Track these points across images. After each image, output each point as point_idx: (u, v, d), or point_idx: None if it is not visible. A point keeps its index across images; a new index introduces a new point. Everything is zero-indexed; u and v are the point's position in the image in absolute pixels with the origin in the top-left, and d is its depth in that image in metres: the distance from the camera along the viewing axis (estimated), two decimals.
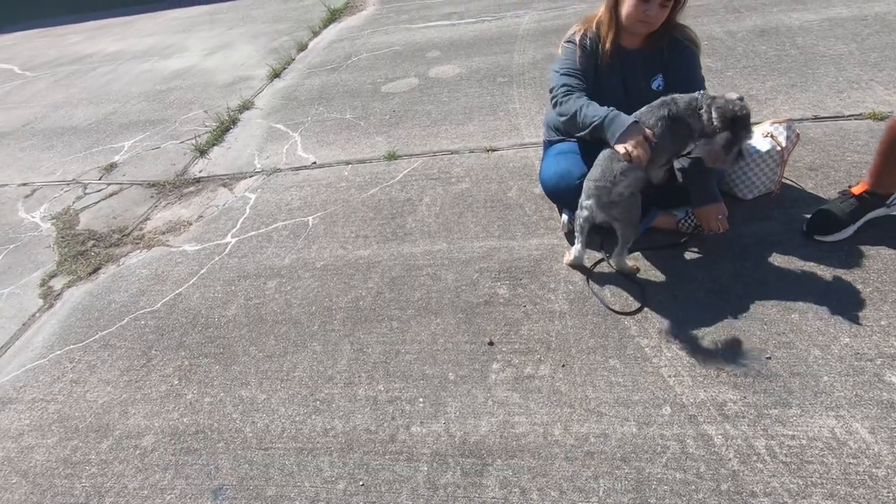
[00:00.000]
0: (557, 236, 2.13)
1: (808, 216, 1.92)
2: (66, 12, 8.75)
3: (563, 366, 1.63)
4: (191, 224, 2.76)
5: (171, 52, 5.82)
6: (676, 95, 1.74)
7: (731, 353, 1.56)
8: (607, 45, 1.87)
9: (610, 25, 1.85)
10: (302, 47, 5.12)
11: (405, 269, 2.15)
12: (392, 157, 2.96)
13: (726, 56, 3.28)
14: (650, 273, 1.89)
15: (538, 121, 3.02)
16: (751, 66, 3.11)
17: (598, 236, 1.99)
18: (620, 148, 1.69)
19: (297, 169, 3.06)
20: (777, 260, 1.83)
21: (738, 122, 1.62)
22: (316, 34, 5.46)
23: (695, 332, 1.65)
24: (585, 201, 1.80)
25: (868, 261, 1.76)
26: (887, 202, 1.78)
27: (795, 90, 2.80)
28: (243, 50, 5.46)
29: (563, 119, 1.90)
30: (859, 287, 1.68)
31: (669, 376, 1.53)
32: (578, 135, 1.88)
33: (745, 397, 1.44)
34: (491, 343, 1.75)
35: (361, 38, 5.03)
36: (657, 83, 1.92)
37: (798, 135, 2.03)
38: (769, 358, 1.53)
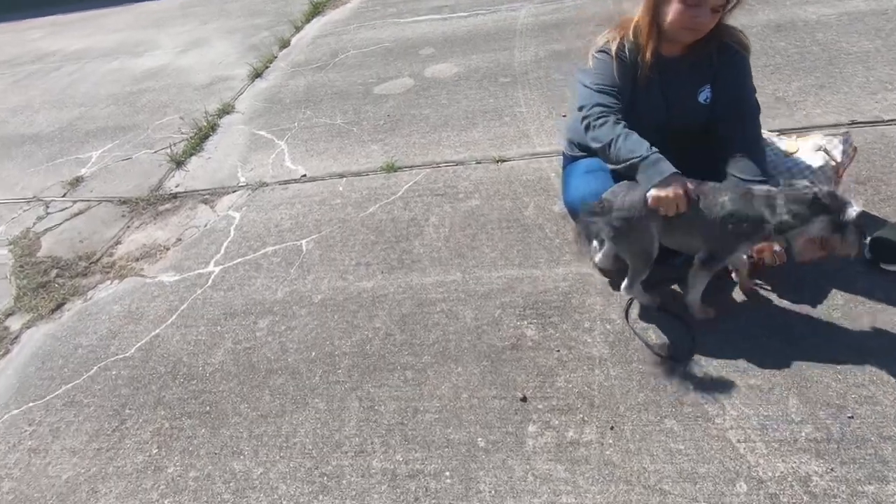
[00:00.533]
0: (588, 265, 1.90)
1: (868, 241, 1.72)
2: (27, 6, 8.19)
3: (612, 428, 1.40)
4: (168, 249, 2.46)
5: (142, 50, 5.42)
6: (753, 187, 1.48)
7: (806, 411, 1.35)
8: (647, 56, 1.63)
9: (650, 33, 1.61)
10: (284, 43, 4.78)
11: (416, 304, 1.90)
12: (391, 168, 2.69)
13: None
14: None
15: (548, 126, 2.78)
16: (773, 65, 2.91)
17: None
18: (655, 194, 1.46)
19: (286, 183, 2.78)
20: (840, 294, 1.63)
21: (818, 204, 1.35)
22: (298, 29, 5.11)
23: (758, 382, 1.44)
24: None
25: None
26: None
27: (825, 92, 2.60)
28: (220, 47, 5.10)
29: (595, 146, 1.66)
30: None
31: (739, 442, 1.32)
32: (612, 167, 1.65)
33: (831, 469, 1.24)
34: (524, 398, 1.51)
35: (348, 34, 4.71)
36: (704, 95, 1.68)
37: (855, 149, 1.82)
38: (851, 417, 1.32)
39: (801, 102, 2.56)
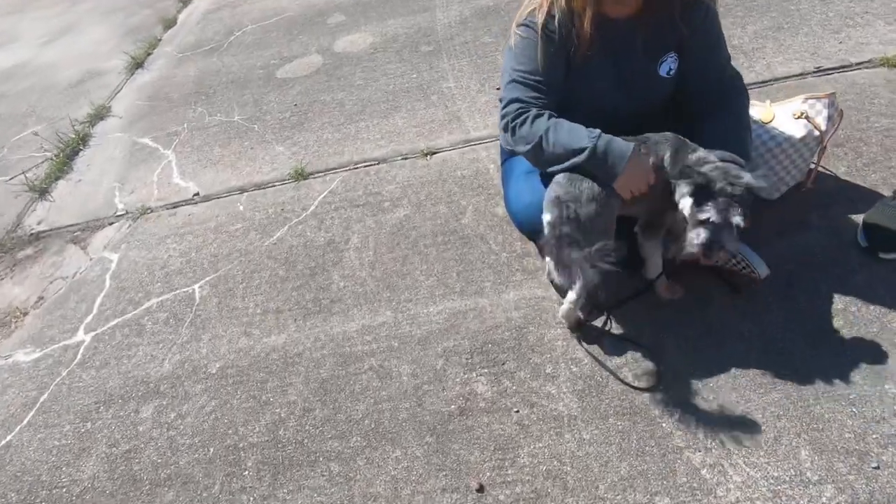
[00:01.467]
0: (540, 283, 1.57)
1: (861, 223, 1.45)
2: None
3: None
4: (26, 313, 1.96)
5: None
6: (697, 148, 1.25)
7: (823, 465, 1.10)
8: (585, 25, 1.24)
9: None
10: (169, 23, 4.06)
11: (339, 361, 1.52)
12: (300, 175, 2.23)
13: None
14: (675, 330, 1.38)
15: (481, 104, 2.37)
16: (723, 6, 2.56)
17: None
18: (625, 191, 1.20)
19: (175, 206, 2.27)
20: (839, 292, 1.37)
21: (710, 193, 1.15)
22: (185, 3, 4.37)
23: (762, 430, 1.17)
24: (545, 215, 1.28)
25: None
26: None
27: (784, 34, 2.30)
28: (93, 32, 4.29)
29: (522, 152, 1.31)
30: None
31: None
32: (552, 170, 1.29)
33: None
34: (480, 488, 1.19)
35: (244, 5, 4.04)
36: (667, 67, 1.32)
37: (842, 112, 1.52)
38: (877, 468, 1.07)
39: (759, 50, 2.25)
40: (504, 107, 1.33)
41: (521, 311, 1.52)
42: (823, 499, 1.06)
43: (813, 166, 1.61)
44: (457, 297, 1.60)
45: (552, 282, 1.51)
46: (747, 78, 2.11)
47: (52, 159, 2.74)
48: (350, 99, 2.65)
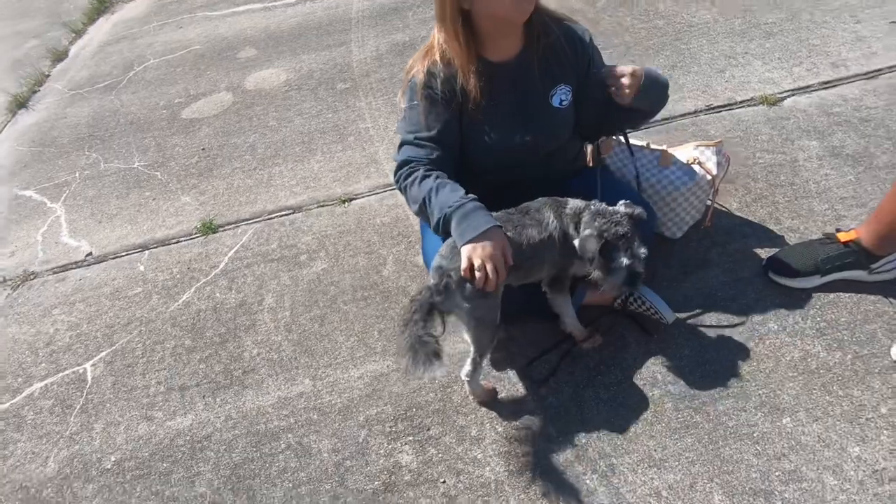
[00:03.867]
0: (462, 338, 1.54)
1: (771, 255, 1.56)
2: None
3: None
4: None
5: None
6: (569, 200, 1.32)
7: None
8: (470, 77, 1.26)
9: (462, 48, 1.24)
10: (59, 55, 3.74)
11: (253, 441, 1.41)
12: (209, 228, 2.09)
13: (594, 33, 2.86)
14: (594, 379, 1.40)
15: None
16: (623, 45, 2.73)
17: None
18: (464, 260, 1.17)
19: (64, 269, 2.05)
20: (737, 330, 1.45)
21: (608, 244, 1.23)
22: (78, 34, 4.05)
23: (677, 478, 1.20)
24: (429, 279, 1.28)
25: (833, 311, 1.45)
26: (873, 267, 1.43)
27: (678, 72, 2.47)
28: None
29: (416, 213, 1.33)
30: (838, 355, 1.36)
31: None
32: (441, 235, 1.29)
33: None
34: None
35: (146, 36, 3.80)
36: (559, 98, 1.36)
37: (729, 158, 1.64)
38: None
39: None
40: (396, 169, 1.33)
41: (445, 368, 1.48)
42: None
43: (710, 203, 1.72)
44: (378, 357, 1.55)
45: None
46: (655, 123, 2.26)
47: None
48: (263, 141, 2.54)
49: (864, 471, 1.16)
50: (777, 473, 1.18)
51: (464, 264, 1.17)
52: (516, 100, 1.36)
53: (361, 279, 1.78)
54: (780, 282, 1.52)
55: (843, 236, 1.45)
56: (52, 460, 1.45)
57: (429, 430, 1.36)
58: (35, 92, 3.33)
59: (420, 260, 1.80)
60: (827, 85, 2.23)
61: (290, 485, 1.31)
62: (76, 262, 2.07)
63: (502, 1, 1.19)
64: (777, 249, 1.58)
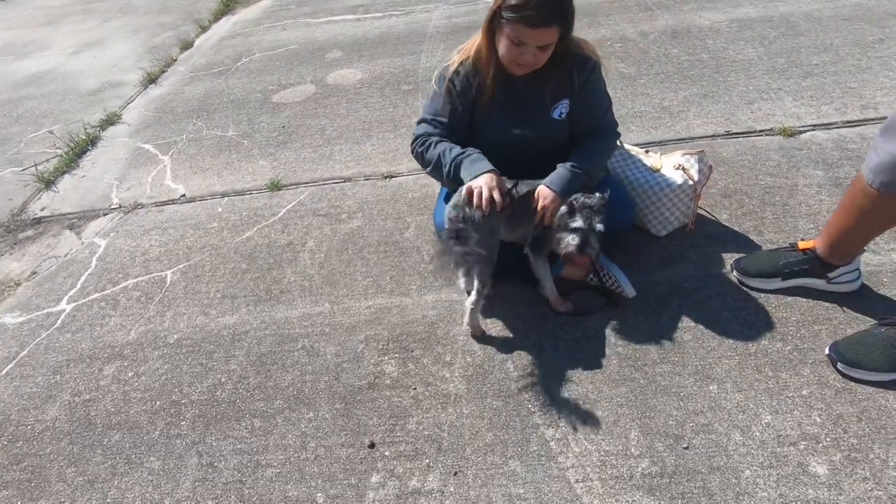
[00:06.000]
0: (457, 290, 1.84)
1: (738, 257, 1.73)
2: None
3: (456, 474, 1.35)
4: (19, 284, 2.23)
5: (31, 51, 4.97)
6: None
7: (645, 444, 1.34)
8: (488, 81, 1.57)
9: (489, 58, 1.55)
10: (186, 45, 4.50)
11: (277, 340, 1.78)
12: (275, 186, 2.54)
13: (640, 60, 3.10)
14: (556, 335, 1.64)
15: None
16: (664, 73, 2.95)
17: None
18: (468, 186, 1.49)
19: (163, 204, 2.58)
20: (694, 314, 1.64)
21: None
22: (204, 29, 4.83)
23: (605, 414, 1.42)
24: (447, 211, 1.56)
25: (785, 311, 1.60)
26: (830, 276, 1.57)
27: (708, 101, 2.66)
28: (118, 48, 4.74)
29: (429, 172, 1.67)
30: (778, 345, 1.51)
31: (577, 481, 1.29)
32: (451, 187, 1.61)
33: None
34: (372, 445, 1.43)
35: (256, 35, 4.48)
36: (559, 111, 1.64)
37: (711, 167, 1.84)
38: (686, 448, 1.32)
39: (683, 112, 2.60)
40: (413, 140, 1.67)
41: (437, 310, 1.79)
42: (640, 468, 1.30)
43: (699, 211, 1.91)
44: (386, 295, 1.88)
45: (466, 290, 1.79)
46: (668, 134, 2.47)
47: (61, 156, 3.07)
48: (331, 125, 3.00)
49: (769, 434, 1.32)
50: (691, 425, 1.37)
51: (467, 188, 1.50)
52: (522, 108, 1.63)
53: (386, 237, 2.13)
54: (742, 280, 1.69)
55: (802, 245, 1.60)
56: (133, 332, 1.91)
57: (412, 351, 1.67)
58: (164, 72, 4.05)
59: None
60: (850, 124, 2.34)
61: (299, 373, 1.66)
62: (173, 200, 2.59)
63: (504, 55, 1.49)
64: None
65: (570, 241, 1.46)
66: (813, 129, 2.34)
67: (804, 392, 1.40)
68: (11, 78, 4.40)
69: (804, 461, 1.26)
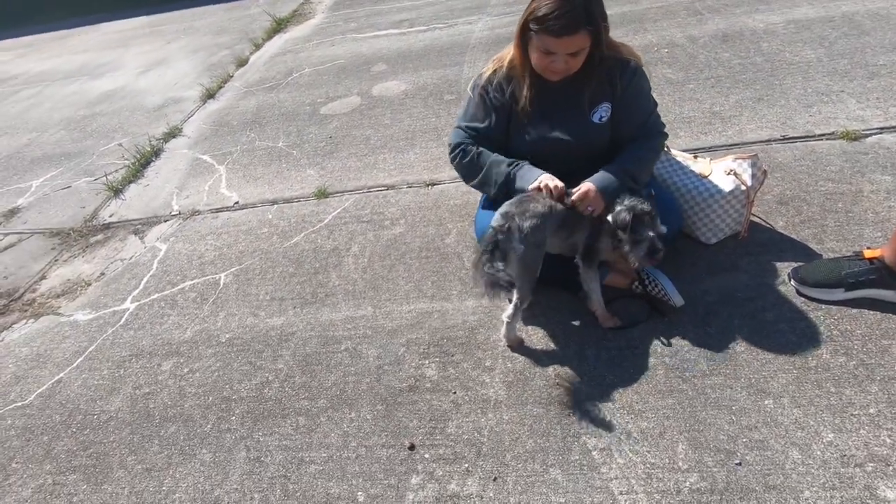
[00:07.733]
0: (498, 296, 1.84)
1: (797, 265, 1.65)
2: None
3: (495, 479, 1.34)
4: (90, 284, 2.40)
5: (103, 71, 5.39)
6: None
7: (694, 458, 1.29)
8: (524, 89, 1.58)
9: (524, 66, 1.56)
10: (241, 62, 4.74)
11: (322, 342, 1.83)
12: (322, 194, 2.63)
13: (688, 66, 3.02)
14: (599, 343, 1.61)
15: None
16: (714, 77, 2.86)
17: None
18: (535, 183, 1.54)
19: (218, 211, 2.72)
20: (747, 324, 1.57)
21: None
22: (258, 47, 5.08)
23: (650, 426, 1.37)
24: (492, 221, 1.55)
25: (850, 324, 1.50)
26: None
27: (762, 105, 2.55)
28: (180, 66, 5.06)
29: (472, 184, 1.69)
30: (842, 360, 1.42)
31: (621, 494, 1.25)
32: (493, 195, 1.62)
33: None
34: (412, 447, 1.45)
35: (306, 51, 4.68)
36: (599, 115, 1.62)
37: (765, 172, 1.76)
38: (739, 464, 1.26)
39: (735, 117, 2.51)
40: (451, 150, 1.70)
41: (477, 315, 1.79)
42: (688, 483, 1.25)
43: (753, 216, 1.83)
44: (427, 301, 1.90)
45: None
46: (718, 140, 2.40)
47: (128, 166, 3.30)
48: (376, 135, 3.08)
49: (831, 453, 1.24)
50: (744, 440, 1.30)
51: (534, 185, 1.53)
52: (561, 112, 1.62)
53: (428, 243, 2.16)
54: (802, 290, 1.60)
55: (868, 253, 1.50)
56: (189, 330, 2.01)
57: (453, 356, 1.68)
58: (221, 88, 4.29)
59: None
60: None
61: (342, 374, 1.70)
62: (227, 207, 2.73)
63: (537, 64, 1.52)
64: None
65: (640, 253, 1.47)
66: (880, 133, 2.20)
67: (871, 410, 1.30)
68: (87, 96, 4.78)
69: (872, 484, 1.17)
